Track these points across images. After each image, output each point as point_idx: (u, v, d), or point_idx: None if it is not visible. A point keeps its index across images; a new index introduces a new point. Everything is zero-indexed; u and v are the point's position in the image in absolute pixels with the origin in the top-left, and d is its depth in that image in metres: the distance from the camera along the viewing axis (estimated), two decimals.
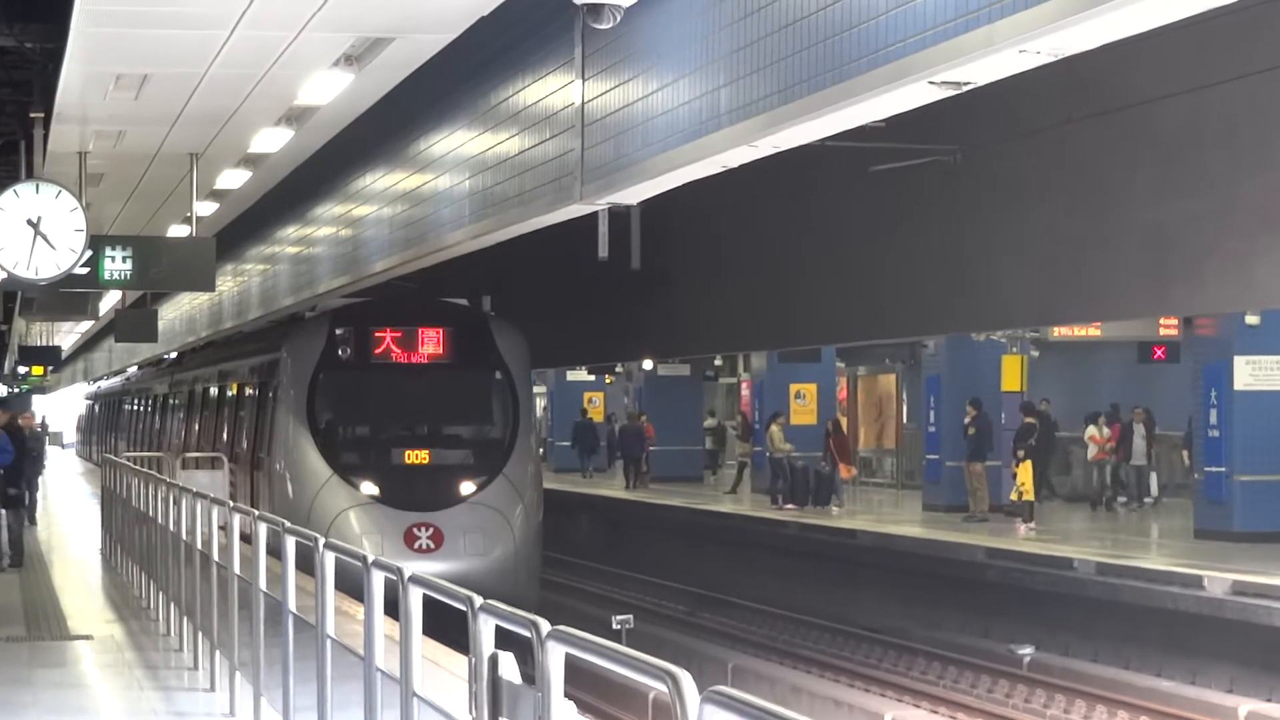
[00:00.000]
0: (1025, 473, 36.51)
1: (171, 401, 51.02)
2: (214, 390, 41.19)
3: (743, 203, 31.22)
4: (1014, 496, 36.64)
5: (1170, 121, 23.98)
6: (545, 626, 6.57)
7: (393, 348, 30.30)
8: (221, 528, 15.62)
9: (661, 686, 5.35)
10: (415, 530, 28.35)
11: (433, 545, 28.30)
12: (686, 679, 5.25)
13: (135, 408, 61.46)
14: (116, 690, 16.51)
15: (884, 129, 20.25)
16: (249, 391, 34.87)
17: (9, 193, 23.06)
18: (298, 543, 12.18)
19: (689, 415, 60.83)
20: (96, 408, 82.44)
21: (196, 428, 43.36)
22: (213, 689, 15.50)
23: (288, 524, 13.29)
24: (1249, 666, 24.63)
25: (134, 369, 68.97)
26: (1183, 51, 22.05)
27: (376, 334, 30.33)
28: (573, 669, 6.64)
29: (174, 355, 56.96)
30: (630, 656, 5.83)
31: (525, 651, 6.92)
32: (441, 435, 31.30)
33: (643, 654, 5.78)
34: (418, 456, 30.13)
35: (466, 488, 29.44)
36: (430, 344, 30.39)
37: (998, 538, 33.93)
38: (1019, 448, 37.38)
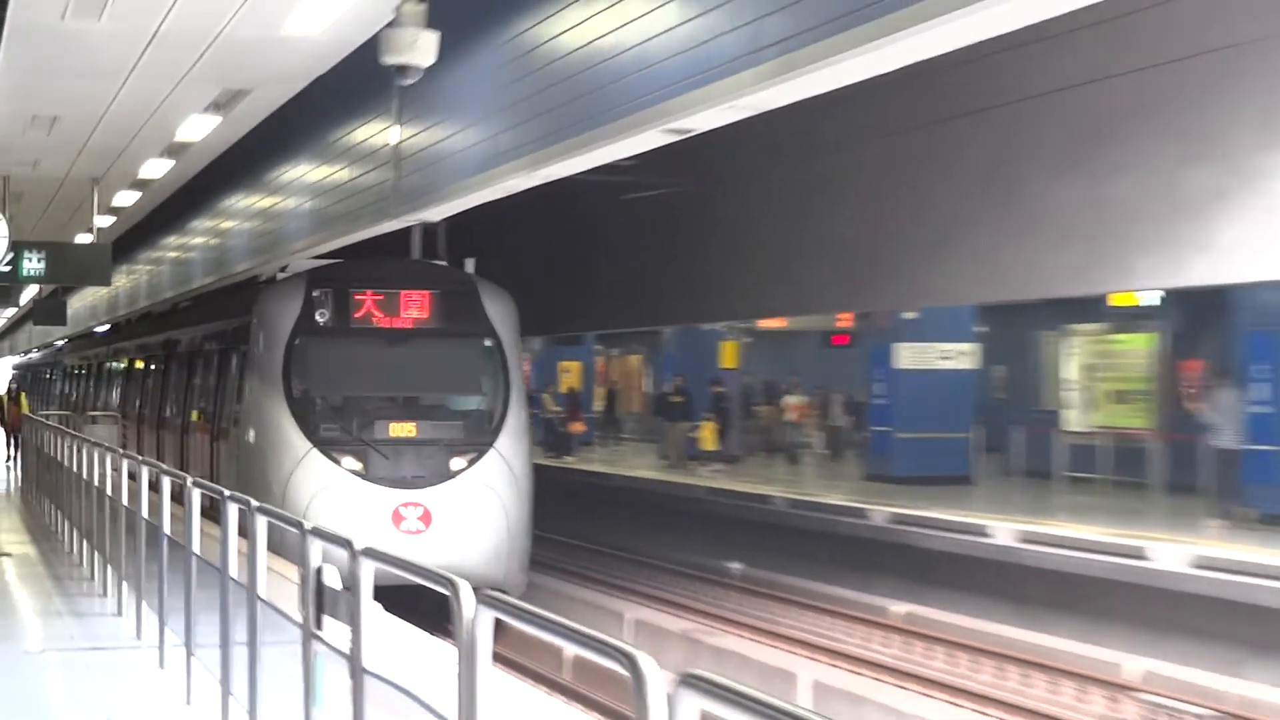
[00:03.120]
0: (708, 429, 38.06)
1: (107, 369, 41.65)
2: (157, 358, 32.55)
3: (534, 219, 31.10)
4: (706, 445, 38.03)
5: (865, 163, 24.21)
6: (359, 545, 6.54)
7: (374, 311, 22.51)
8: (115, 470, 15.42)
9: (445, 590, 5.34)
10: (402, 510, 21.21)
11: (422, 526, 21.23)
12: (465, 588, 5.24)
13: (62, 377, 55.31)
14: (31, 595, 16.29)
15: (635, 165, 20.29)
16: (207, 359, 26.75)
17: None
18: (172, 481, 12.09)
19: None
20: (28, 378, 78.92)
21: (137, 395, 34.52)
22: (105, 595, 15.32)
23: (165, 466, 13.16)
24: (906, 578, 24.90)
25: (61, 343, 61.16)
26: (873, 103, 22.25)
27: (357, 296, 22.48)
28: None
29: (107, 328, 48.70)
30: (417, 567, 5.83)
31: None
32: (428, 406, 23.33)
33: (427, 566, 5.77)
34: (403, 429, 22.06)
35: (456, 463, 21.84)
36: (415, 307, 22.60)
37: (708, 479, 34.16)
38: (707, 411, 38.76)
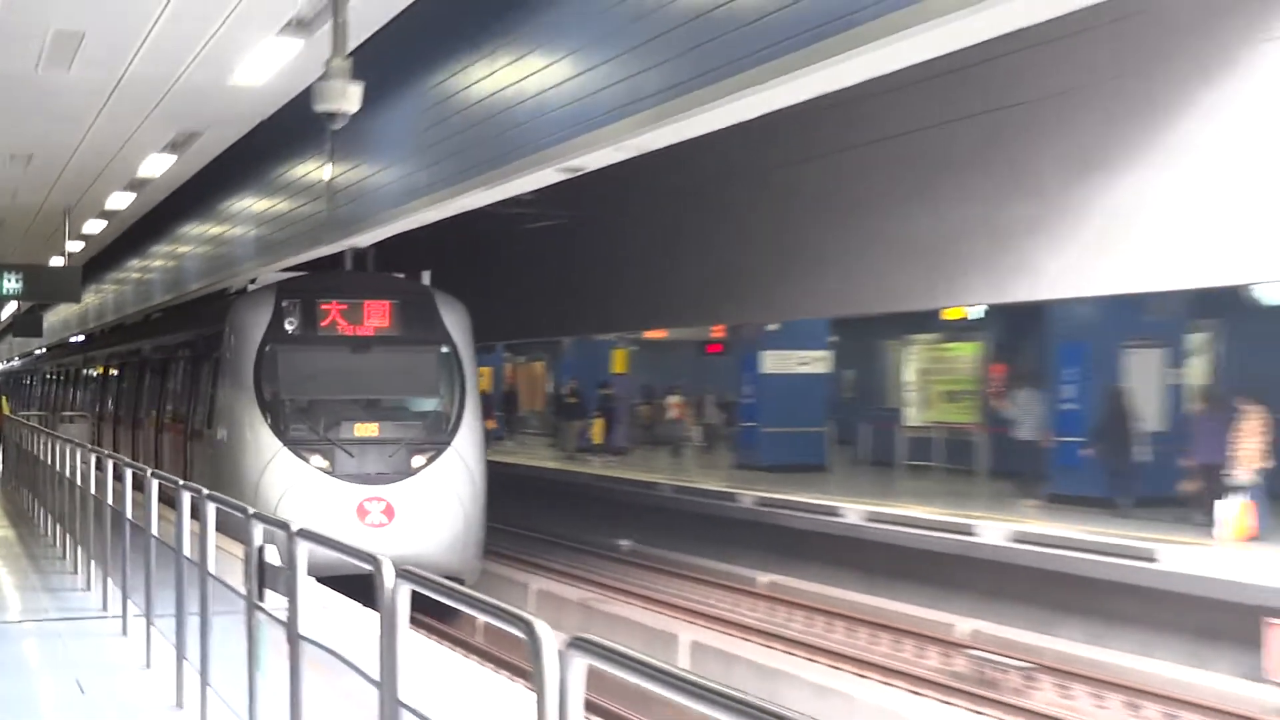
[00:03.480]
0: (598, 426, 38.76)
1: (83, 375, 39.81)
2: (131, 364, 30.58)
3: (455, 243, 31.07)
4: (595, 439, 38.69)
5: (740, 195, 24.32)
6: (294, 528, 6.51)
7: (339, 320, 21.13)
8: (85, 463, 15.24)
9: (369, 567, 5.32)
10: (366, 504, 19.82)
11: (385, 519, 19.81)
12: (387, 564, 5.22)
13: (39, 382, 53.22)
14: (11, 572, 16.08)
15: (537, 198, 20.27)
16: (181, 365, 24.92)
17: None
18: (134, 473, 11.98)
19: None
20: (10, 383, 76.34)
21: (114, 399, 32.25)
22: (75, 572, 15.17)
23: (127, 459, 13.02)
24: (770, 552, 24.98)
25: (40, 351, 59.68)
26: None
27: (323, 306, 21.14)
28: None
29: (82, 338, 46.90)
30: (343, 545, 5.81)
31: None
32: (390, 408, 21.59)
33: (348, 544, 5.75)
34: (367, 430, 20.62)
35: (416, 461, 20.50)
36: (377, 317, 21.26)
37: (600, 468, 34.19)
38: (597, 410, 39.49)
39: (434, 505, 20.36)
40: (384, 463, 20.35)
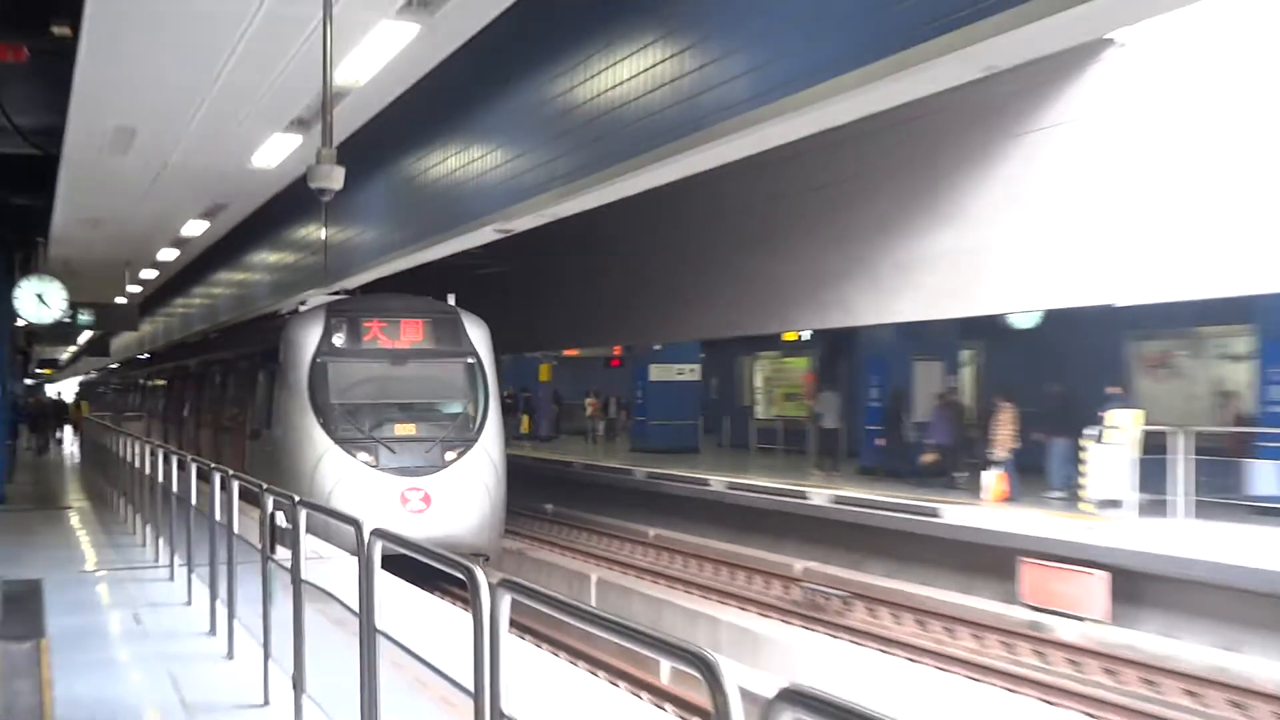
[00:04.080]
0: (525, 421, 39.25)
1: (146, 385, 37.49)
2: (195, 376, 27.92)
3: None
4: (523, 430, 39.06)
5: (630, 251, 24.34)
6: (296, 499, 6.49)
7: (380, 335, 18.99)
8: (141, 452, 14.99)
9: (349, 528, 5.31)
10: (406, 493, 17.69)
11: (424, 506, 17.69)
12: (366, 525, 5.23)
13: (109, 390, 52.46)
14: (86, 534, 15.86)
15: (482, 250, 20.18)
16: (239, 376, 22.74)
17: (27, 280, 21.91)
18: (179, 458, 11.86)
19: None
20: (90, 391, 73.41)
21: (181, 405, 29.26)
22: (134, 534, 15.00)
23: (172, 449, 12.88)
24: (656, 512, 25.03)
25: (114, 366, 57.16)
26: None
27: (365, 323, 19.00)
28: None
29: (147, 356, 44.25)
30: (331, 510, 5.80)
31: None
32: (425, 410, 19.07)
33: (335, 509, 5.74)
34: (406, 429, 18.42)
35: (449, 455, 18.32)
36: (412, 332, 19.10)
37: (529, 451, 34.12)
38: (524, 409, 40.05)
39: (465, 493, 18.35)
40: (421, 457, 18.29)
